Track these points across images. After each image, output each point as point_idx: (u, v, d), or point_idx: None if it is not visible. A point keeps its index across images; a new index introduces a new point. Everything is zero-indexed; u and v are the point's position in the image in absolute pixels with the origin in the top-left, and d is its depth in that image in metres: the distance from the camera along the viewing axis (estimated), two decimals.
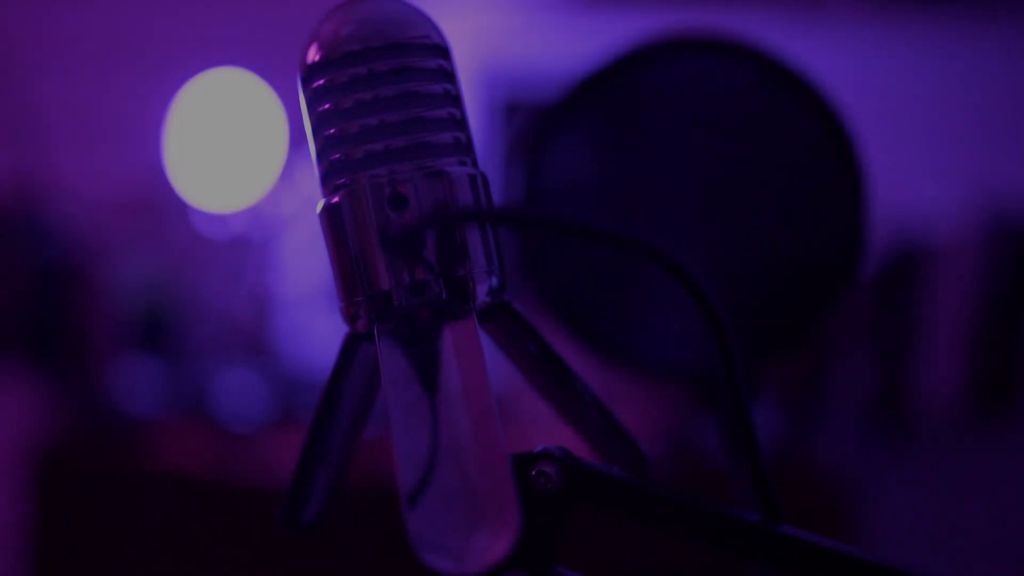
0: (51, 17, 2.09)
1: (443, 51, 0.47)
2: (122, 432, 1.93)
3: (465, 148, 0.46)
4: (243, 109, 2.05)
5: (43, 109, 1.97)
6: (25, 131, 1.95)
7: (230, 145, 2.06)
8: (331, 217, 0.46)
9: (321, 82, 0.46)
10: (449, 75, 0.47)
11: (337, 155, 0.46)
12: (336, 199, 0.45)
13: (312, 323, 2.03)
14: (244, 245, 2.07)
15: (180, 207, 2.06)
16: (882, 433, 1.92)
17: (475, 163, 0.47)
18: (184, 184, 2.06)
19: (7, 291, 1.97)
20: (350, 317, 0.46)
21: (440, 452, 0.40)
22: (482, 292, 0.45)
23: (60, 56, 2.07)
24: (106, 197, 2.06)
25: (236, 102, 2.05)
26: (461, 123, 0.46)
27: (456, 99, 0.47)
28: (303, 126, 0.48)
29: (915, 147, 2.09)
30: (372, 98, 0.45)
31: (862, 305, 1.88)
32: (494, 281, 0.46)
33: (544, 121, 0.66)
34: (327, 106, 0.46)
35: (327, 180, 0.46)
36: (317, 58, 0.46)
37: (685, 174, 0.67)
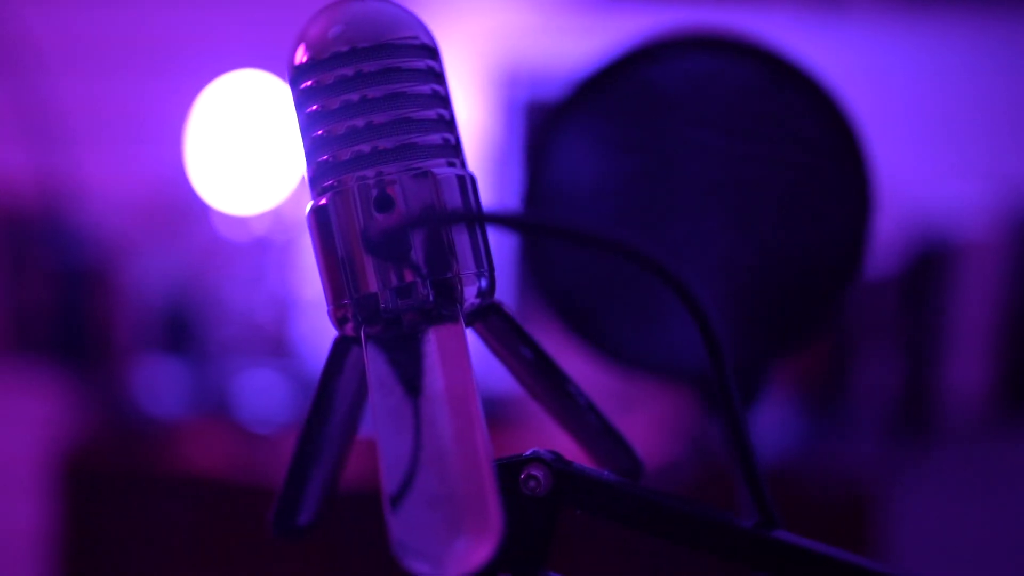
0: (74, 19, 2.11)
1: (432, 51, 0.46)
2: (145, 433, 1.94)
3: (454, 149, 0.46)
4: (264, 111, 2.05)
5: (66, 111, 1.98)
6: (48, 134, 1.96)
7: (251, 147, 2.07)
8: (318, 219, 0.45)
9: (308, 83, 0.45)
10: (438, 76, 0.46)
11: (325, 156, 0.45)
12: (323, 201, 0.45)
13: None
14: (265, 247, 2.07)
15: (201, 209, 2.07)
16: (906, 433, 1.90)
17: (464, 164, 0.46)
18: (205, 186, 2.07)
19: (31, 293, 1.98)
20: (338, 320, 0.46)
21: (422, 457, 0.39)
22: (471, 294, 0.45)
23: (82, 58, 2.09)
24: (128, 199, 2.07)
25: (257, 104, 2.05)
26: (450, 124, 0.46)
27: (445, 100, 0.46)
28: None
29: (939, 144, 2.07)
30: (359, 99, 0.45)
31: (886, 304, 1.86)
32: (483, 283, 0.45)
33: (548, 120, 0.66)
34: (315, 107, 0.45)
35: (315, 182, 0.46)
36: (304, 59, 0.45)
37: (690, 173, 0.67)
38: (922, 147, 1.99)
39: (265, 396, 1.98)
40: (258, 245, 2.07)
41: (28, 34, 1.97)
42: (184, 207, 2.07)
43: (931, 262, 1.88)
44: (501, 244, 0.52)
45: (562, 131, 0.66)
